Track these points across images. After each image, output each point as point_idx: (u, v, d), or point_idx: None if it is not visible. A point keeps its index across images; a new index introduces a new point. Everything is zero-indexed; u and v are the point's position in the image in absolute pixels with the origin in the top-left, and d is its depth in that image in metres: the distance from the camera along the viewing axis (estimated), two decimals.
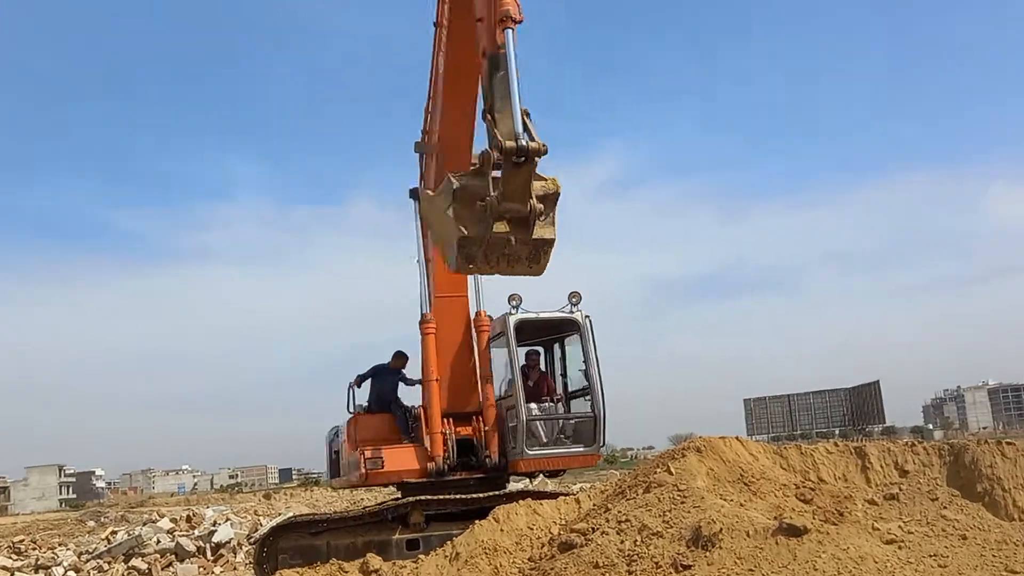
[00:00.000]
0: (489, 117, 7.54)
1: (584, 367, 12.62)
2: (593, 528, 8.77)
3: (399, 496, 13.18)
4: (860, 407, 70.74)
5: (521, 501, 10.48)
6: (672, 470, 9.25)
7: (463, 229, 7.45)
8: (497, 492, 12.63)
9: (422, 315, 13.00)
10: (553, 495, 11.93)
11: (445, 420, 12.60)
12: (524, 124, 7.27)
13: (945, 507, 8.52)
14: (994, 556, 7.58)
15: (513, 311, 12.29)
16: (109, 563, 18.07)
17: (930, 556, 7.50)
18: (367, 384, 13.67)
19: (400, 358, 13.76)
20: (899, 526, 8.08)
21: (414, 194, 12.97)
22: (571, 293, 12.55)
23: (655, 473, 9.40)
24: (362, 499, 25.69)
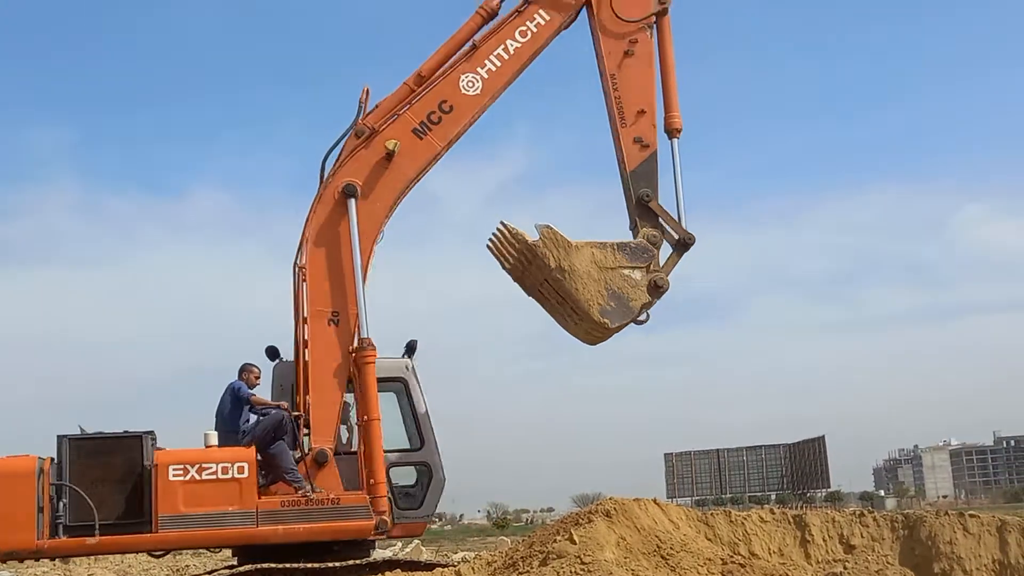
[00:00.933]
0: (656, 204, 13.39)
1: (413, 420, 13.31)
2: None
3: (234, 564, 12.91)
4: (802, 467, 72.41)
5: (387, 574, 10.38)
6: (575, 538, 9.31)
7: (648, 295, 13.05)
8: (359, 561, 12.49)
9: (360, 340, 12.84)
10: (429, 566, 11.86)
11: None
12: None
13: None
14: None
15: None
16: None
17: None
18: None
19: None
20: None
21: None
22: (409, 342, 13.58)
23: (555, 542, 9.45)
24: (187, 566, 25.05)
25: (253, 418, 12.76)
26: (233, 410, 12.77)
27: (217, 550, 13.69)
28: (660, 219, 13.67)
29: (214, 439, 12.44)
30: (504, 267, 13.85)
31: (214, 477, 11.97)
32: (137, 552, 15.72)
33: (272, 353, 13.62)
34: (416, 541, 28.06)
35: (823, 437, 71.47)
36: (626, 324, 13.11)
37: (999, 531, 9.04)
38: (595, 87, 14.14)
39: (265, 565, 12.16)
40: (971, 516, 9.39)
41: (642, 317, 13.09)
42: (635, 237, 13.68)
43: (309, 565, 12.09)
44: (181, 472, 11.86)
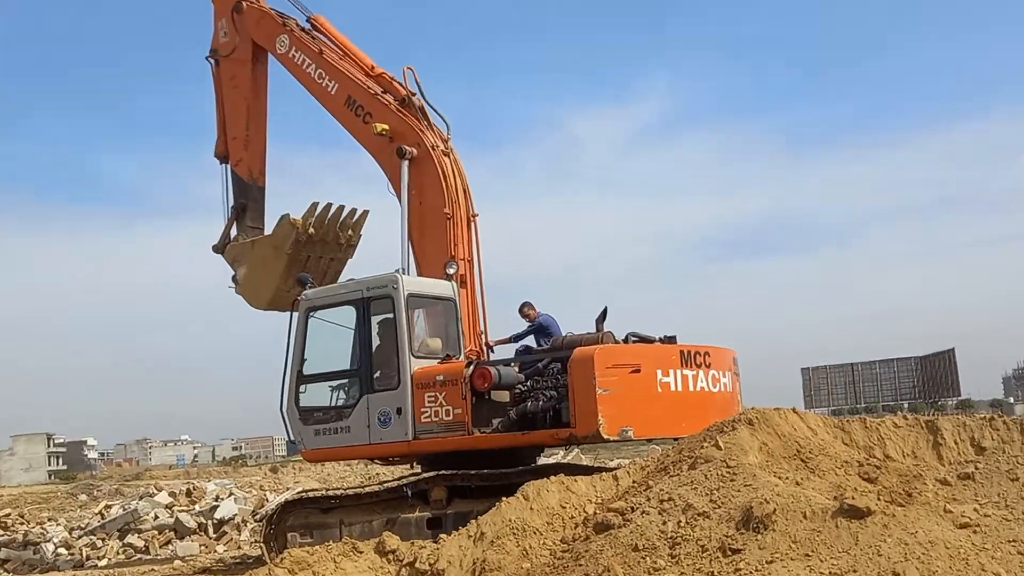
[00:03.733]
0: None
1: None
2: (632, 507, 8.82)
3: (418, 471, 13.32)
4: (932, 378, 70.22)
5: (553, 477, 10.54)
6: (721, 444, 9.28)
7: None
8: (526, 467, 12.74)
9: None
10: (588, 470, 12.00)
11: None
12: None
13: None
14: None
15: None
16: (103, 540, 18.41)
17: (1009, 542, 7.46)
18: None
19: None
20: (974, 509, 8.03)
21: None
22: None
23: (702, 448, 9.42)
24: (377, 474, 25.97)
25: None
26: None
27: (402, 461, 14.13)
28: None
29: None
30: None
31: None
32: None
33: None
34: (576, 449, 28.37)
35: (953, 349, 69.05)
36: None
37: None
38: None
39: (446, 472, 12.53)
40: None
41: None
42: None
43: (484, 471, 12.41)
44: None
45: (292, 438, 14.00)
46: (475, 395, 12.28)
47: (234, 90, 16.51)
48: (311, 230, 15.34)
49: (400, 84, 14.60)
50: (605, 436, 11.56)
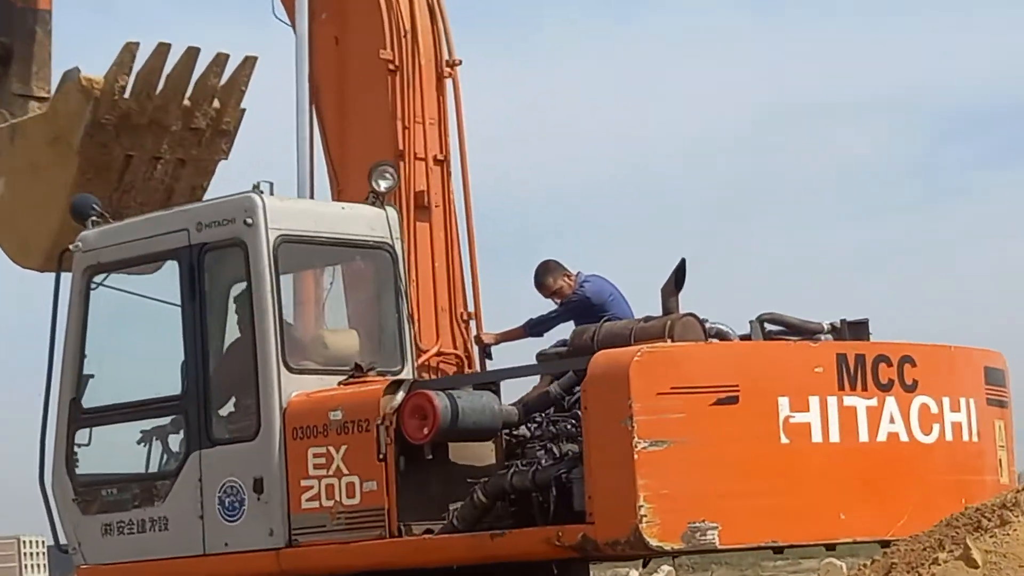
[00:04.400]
0: None
1: None
2: None
3: None
4: None
5: None
6: (978, 559, 6.22)
7: None
8: None
9: None
10: None
11: None
12: None
13: None
14: None
15: None
16: None
17: None
18: None
19: None
20: None
21: None
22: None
23: (935, 563, 6.33)
24: None
25: None
26: None
27: None
28: None
29: None
30: None
31: None
32: None
33: None
34: (669, 567, 24.44)
35: None
36: None
37: None
38: None
39: None
40: None
41: None
42: None
43: None
44: None
45: (61, 541, 8.81)
46: (405, 453, 7.69)
47: None
48: (126, 99, 9.88)
49: None
50: (653, 544, 7.01)
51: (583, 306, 9.13)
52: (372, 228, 8.55)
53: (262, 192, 8.11)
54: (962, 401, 7.93)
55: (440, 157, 9.54)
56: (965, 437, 7.98)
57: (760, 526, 7.33)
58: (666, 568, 24.78)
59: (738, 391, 7.20)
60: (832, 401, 7.39)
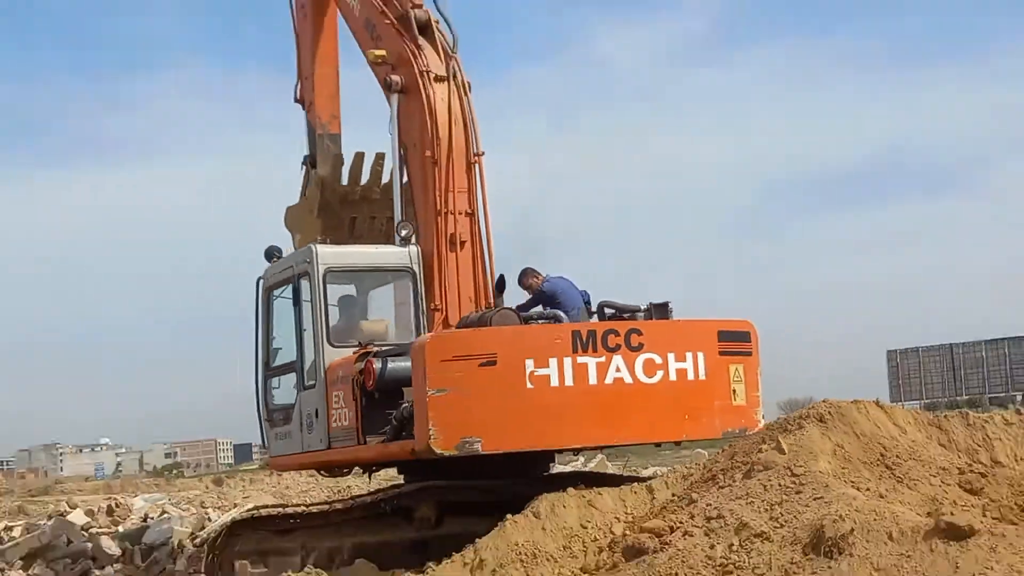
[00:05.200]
0: None
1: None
2: (672, 527, 8.85)
3: (399, 483, 13.36)
4: None
5: (571, 489, 10.55)
6: (784, 447, 9.29)
7: None
8: (537, 476, 12.75)
9: None
10: (616, 480, 12.04)
11: None
12: None
13: None
14: None
15: None
16: (2, 570, 18.46)
17: None
18: None
19: None
20: None
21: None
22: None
23: (760, 451, 9.45)
24: (348, 487, 26.03)
25: None
26: None
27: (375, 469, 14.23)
28: None
29: None
30: None
31: None
32: None
33: None
34: (600, 455, 28.40)
35: None
36: None
37: None
38: None
39: (436, 483, 12.56)
40: None
41: None
42: None
43: (483, 483, 12.42)
44: None
45: (264, 443, 14.99)
46: (365, 396, 12.24)
47: (303, 20, 16.70)
48: (344, 186, 15.58)
49: None
50: (437, 451, 11.19)
51: (542, 298, 13.68)
52: (398, 259, 13.64)
53: (319, 243, 13.50)
54: (688, 354, 11.97)
55: (469, 211, 13.96)
56: (691, 377, 12.03)
57: (509, 439, 11.69)
58: (599, 456, 28.59)
59: (496, 357, 11.50)
60: (567, 360, 11.57)
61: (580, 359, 11.53)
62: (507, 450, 11.75)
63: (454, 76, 13.88)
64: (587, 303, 13.59)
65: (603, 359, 11.60)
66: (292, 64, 16.95)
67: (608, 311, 13.21)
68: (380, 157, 15.72)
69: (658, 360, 11.80)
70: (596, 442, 11.74)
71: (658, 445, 13.68)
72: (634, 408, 11.75)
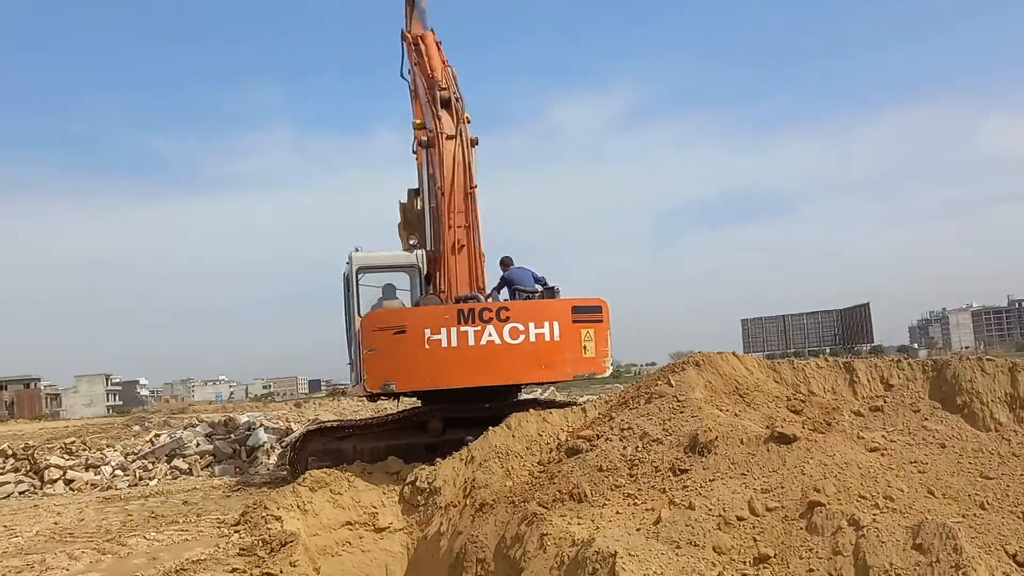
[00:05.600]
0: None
1: None
2: (598, 435, 8.88)
3: (419, 406, 13.37)
4: (851, 327, 70.76)
5: (532, 410, 10.59)
6: (672, 382, 9.34)
7: None
8: (509, 402, 12.78)
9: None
10: (561, 405, 12.07)
11: None
12: None
13: (926, 418, 8.55)
14: (970, 463, 7.63)
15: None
16: (153, 463, 18.41)
17: (910, 463, 7.56)
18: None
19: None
20: (883, 435, 8.12)
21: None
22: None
23: (656, 385, 9.49)
24: (385, 408, 26.01)
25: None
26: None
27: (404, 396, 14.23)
28: None
29: None
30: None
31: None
32: None
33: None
34: (552, 387, 28.39)
35: (868, 304, 69.79)
36: None
37: (1011, 371, 8.69)
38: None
39: (442, 405, 12.58)
40: (988, 360, 9.06)
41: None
42: None
43: (473, 406, 12.44)
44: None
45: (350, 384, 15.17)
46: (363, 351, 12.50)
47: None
48: (416, 209, 15.40)
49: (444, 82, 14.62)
50: (368, 390, 11.74)
51: (503, 281, 13.50)
52: (407, 260, 13.63)
53: (356, 251, 13.34)
54: (546, 323, 12.02)
55: (466, 225, 13.69)
56: (548, 339, 12.03)
57: (414, 382, 11.95)
58: (551, 388, 28.57)
59: (405, 327, 11.77)
60: (453, 330, 11.79)
61: (463, 328, 11.77)
62: (412, 389, 12.27)
63: (461, 134, 13.92)
64: (544, 284, 13.54)
65: (479, 328, 11.79)
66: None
67: (520, 293, 13.14)
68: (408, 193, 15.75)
69: (521, 328, 11.90)
70: (474, 383, 11.69)
71: (519, 387, 13.32)
72: (502, 360, 11.89)
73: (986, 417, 8.48)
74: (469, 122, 14.11)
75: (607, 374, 11.97)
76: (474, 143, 13.99)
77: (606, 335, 12.16)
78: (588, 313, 12.19)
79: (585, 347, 12.04)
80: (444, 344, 11.67)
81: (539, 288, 13.42)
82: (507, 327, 11.86)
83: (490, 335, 11.78)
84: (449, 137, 13.97)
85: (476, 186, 13.88)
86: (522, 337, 11.88)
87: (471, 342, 11.72)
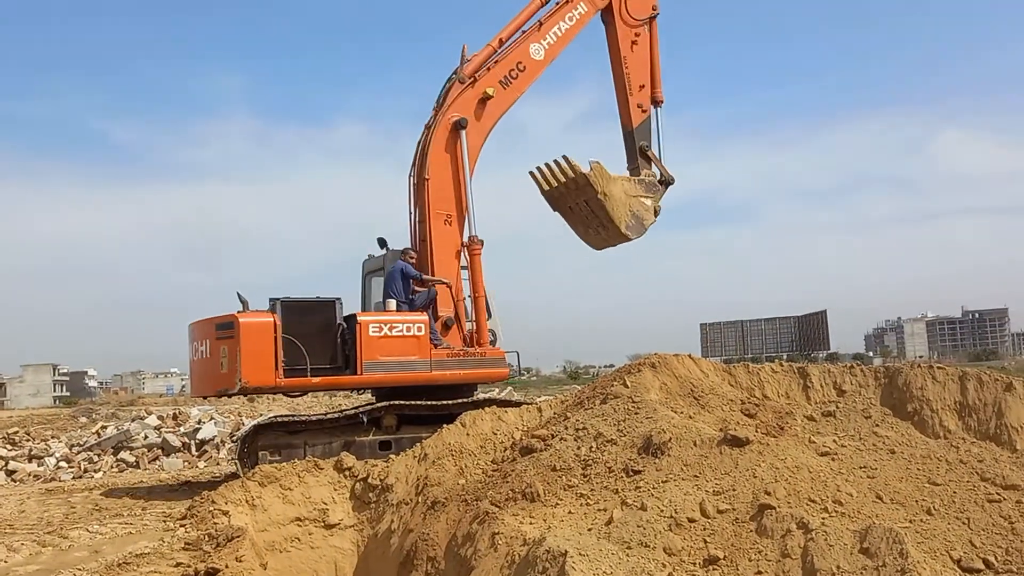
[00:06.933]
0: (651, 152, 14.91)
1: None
2: (552, 435, 8.88)
3: (373, 401, 13.28)
4: (807, 334, 71.67)
5: (487, 408, 10.58)
6: (628, 383, 9.37)
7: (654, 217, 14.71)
8: (464, 400, 12.77)
9: (470, 237, 13.51)
10: (517, 404, 12.08)
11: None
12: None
13: (877, 424, 8.67)
14: (919, 469, 7.73)
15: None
16: (99, 455, 18.12)
17: (860, 468, 7.66)
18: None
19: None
20: (834, 440, 8.23)
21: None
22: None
23: (612, 386, 9.51)
24: (339, 404, 25.86)
25: (420, 291, 13.32)
26: (405, 285, 13.19)
27: (361, 392, 14.16)
28: (654, 164, 14.95)
29: (393, 306, 12.90)
30: (542, 189, 14.51)
31: (400, 334, 12.48)
32: (344, 390, 16.23)
33: (383, 243, 14.03)
34: (509, 387, 28.50)
35: (825, 311, 70.65)
36: (638, 238, 14.46)
37: (960, 379, 8.85)
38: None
39: (398, 402, 12.52)
40: (938, 368, 9.22)
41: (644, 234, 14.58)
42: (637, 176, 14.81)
43: (430, 402, 12.41)
44: (378, 329, 12.27)
45: None
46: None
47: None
48: (552, 186, 14.55)
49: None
50: (244, 387, 11.90)
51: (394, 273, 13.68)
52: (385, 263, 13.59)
53: (370, 257, 13.96)
54: (206, 341, 12.42)
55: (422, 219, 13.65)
56: (205, 356, 12.36)
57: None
58: (508, 388, 28.66)
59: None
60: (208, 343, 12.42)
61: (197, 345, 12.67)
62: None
63: (432, 123, 14.23)
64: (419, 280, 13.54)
65: (202, 344, 12.47)
66: None
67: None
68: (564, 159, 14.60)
69: (201, 346, 12.45)
70: (197, 394, 13.33)
71: (205, 397, 13.42)
72: (195, 375, 12.93)
73: (935, 424, 8.62)
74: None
75: (236, 391, 11.85)
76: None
77: (237, 351, 11.84)
78: (224, 330, 12.14)
79: (222, 363, 12.01)
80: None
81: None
82: (193, 346, 12.84)
83: (202, 353, 12.51)
84: (427, 125, 14.21)
85: (427, 179, 13.72)
86: (200, 354, 12.52)
87: (195, 356, 12.80)
